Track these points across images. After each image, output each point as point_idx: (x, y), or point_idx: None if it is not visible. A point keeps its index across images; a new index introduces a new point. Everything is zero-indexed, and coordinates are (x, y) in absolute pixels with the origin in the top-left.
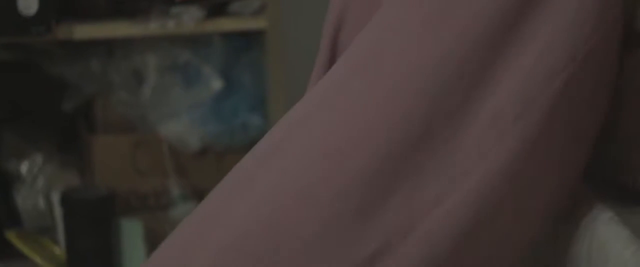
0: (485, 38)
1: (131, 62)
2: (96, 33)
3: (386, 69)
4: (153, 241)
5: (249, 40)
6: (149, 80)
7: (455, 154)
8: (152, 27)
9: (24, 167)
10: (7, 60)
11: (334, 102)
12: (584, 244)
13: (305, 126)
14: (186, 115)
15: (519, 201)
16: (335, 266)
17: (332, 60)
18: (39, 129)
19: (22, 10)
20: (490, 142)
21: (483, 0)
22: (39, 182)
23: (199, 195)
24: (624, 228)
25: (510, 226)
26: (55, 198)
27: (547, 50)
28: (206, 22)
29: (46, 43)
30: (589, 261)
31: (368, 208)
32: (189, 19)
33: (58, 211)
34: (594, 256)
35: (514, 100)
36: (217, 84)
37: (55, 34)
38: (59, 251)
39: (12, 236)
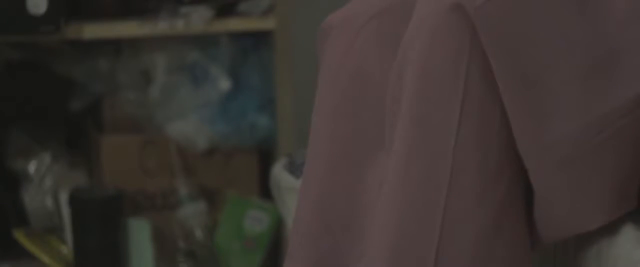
0: None
1: (139, 62)
2: (105, 33)
3: None
4: (160, 241)
5: (257, 41)
6: (157, 80)
7: None
8: (161, 26)
9: (31, 167)
10: (15, 59)
11: None
12: (593, 244)
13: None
14: (194, 115)
15: None
16: None
17: None
18: (46, 129)
19: (31, 10)
20: None
21: None
22: (47, 182)
23: (206, 195)
24: (634, 229)
25: None
26: (63, 198)
27: None
28: (215, 22)
29: (55, 42)
30: (599, 261)
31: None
32: (198, 19)
33: (66, 211)
34: (603, 256)
35: None
36: (225, 84)
37: (64, 33)
38: (67, 250)
39: (19, 235)
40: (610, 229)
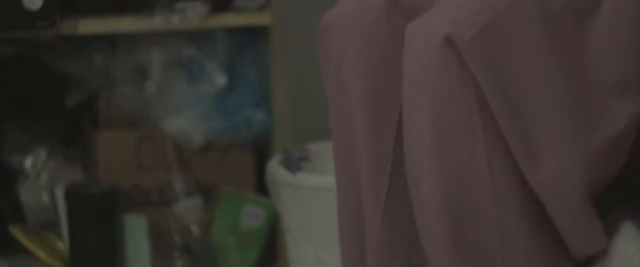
0: None
1: (135, 58)
2: (100, 28)
3: None
4: (156, 236)
5: (253, 36)
6: (152, 75)
7: None
8: (156, 22)
9: (27, 163)
10: (11, 55)
11: None
12: None
13: None
14: (190, 111)
15: None
16: None
17: None
18: (42, 124)
19: (26, 5)
20: None
21: None
22: (43, 178)
23: (202, 190)
24: (629, 225)
25: None
26: (59, 193)
27: None
28: (210, 17)
29: (50, 38)
30: (594, 256)
31: None
32: (193, 14)
33: (62, 206)
34: (598, 252)
35: None
36: (221, 79)
37: (60, 28)
38: (63, 246)
39: (16, 231)
40: (605, 225)
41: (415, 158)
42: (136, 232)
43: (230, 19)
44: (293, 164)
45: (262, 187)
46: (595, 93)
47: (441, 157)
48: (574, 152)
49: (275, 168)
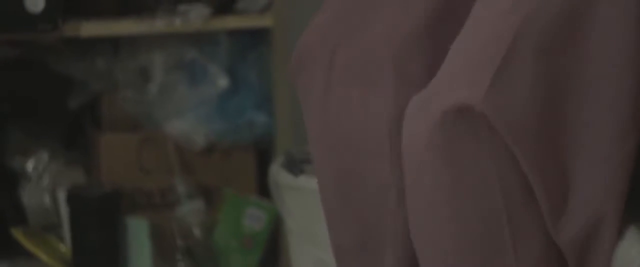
0: None
1: (137, 60)
2: (103, 31)
3: None
4: (159, 239)
5: (255, 38)
6: (155, 78)
7: None
8: (159, 24)
9: (29, 165)
10: (13, 57)
11: None
12: None
13: None
14: (192, 113)
15: None
16: None
17: None
18: (45, 127)
19: (29, 8)
20: None
21: None
22: (45, 180)
23: (204, 193)
24: (632, 228)
25: None
26: (61, 196)
27: None
28: (213, 20)
29: (52, 40)
30: None
31: None
32: (196, 17)
33: (64, 209)
34: None
35: None
36: (223, 81)
37: (62, 31)
38: (65, 248)
39: (18, 234)
40: None
41: (424, 233)
42: (138, 234)
43: (232, 22)
44: (295, 166)
45: (264, 189)
46: (612, 111)
47: (458, 233)
48: (606, 183)
49: (277, 170)
